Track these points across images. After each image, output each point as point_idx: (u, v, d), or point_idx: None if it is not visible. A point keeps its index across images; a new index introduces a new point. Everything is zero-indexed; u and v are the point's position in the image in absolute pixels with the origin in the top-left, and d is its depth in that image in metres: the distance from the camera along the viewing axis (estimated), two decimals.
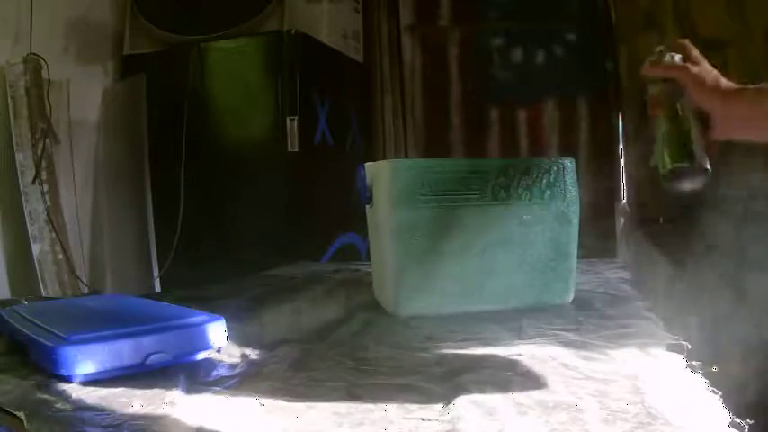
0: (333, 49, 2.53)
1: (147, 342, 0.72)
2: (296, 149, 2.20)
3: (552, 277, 1.03)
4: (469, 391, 0.62)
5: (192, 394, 0.64)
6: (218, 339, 0.79)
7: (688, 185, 0.79)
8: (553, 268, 1.03)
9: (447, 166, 1.02)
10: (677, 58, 0.83)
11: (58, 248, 2.06)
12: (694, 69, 0.81)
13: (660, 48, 0.86)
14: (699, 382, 0.63)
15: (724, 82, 0.80)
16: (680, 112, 0.80)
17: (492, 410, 0.57)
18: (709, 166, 0.77)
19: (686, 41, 0.84)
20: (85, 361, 0.67)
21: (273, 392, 0.64)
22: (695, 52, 0.83)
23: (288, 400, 0.62)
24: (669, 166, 0.78)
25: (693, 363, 0.68)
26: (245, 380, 0.69)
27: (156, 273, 2.39)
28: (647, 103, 0.84)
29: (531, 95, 2.82)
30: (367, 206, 1.10)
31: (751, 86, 0.79)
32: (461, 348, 0.79)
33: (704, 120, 0.80)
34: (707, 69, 0.82)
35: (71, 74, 2.26)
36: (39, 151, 2.05)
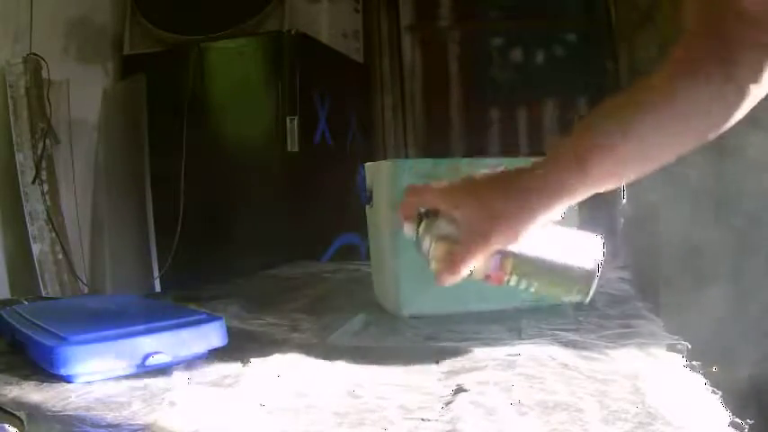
0: (333, 49, 2.53)
1: (147, 342, 0.72)
2: (296, 149, 2.20)
3: None
4: (469, 391, 0.62)
5: (191, 394, 0.64)
6: (218, 339, 0.79)
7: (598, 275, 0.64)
8: None
9: (447, 166, 1.02)
10: (447, 229, 0.63)
11: (57, 248, 2.06)
12: (476, 232, 0.60)
13: (411, 230, 0.66)
14: (699, 382, 0.63)
15: (496, 203, 0.60)
16: (520, 266, 0.63)
17: (492, 410, 0.57)
18: (599, 265, 0.64)
19: (413, 193, 0.66)
20: (85, 361, 0.67)
21: (273, 392, 0.64)
22: (435, 199, 0.64)
23: (288, 400, 0.62)
24: (585, 295, 0.65)
25: (693, 363, 0.68)
26: (245, 380, 0.69)
27: (156, 273, 2.39)
28: (485, 281, 0.64)
29: (531, 95, 2.82)
30: (367, 206, 1.10)
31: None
32: (461, 348, 0.79)
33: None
34: (470, 214, 0.60)
35: (71, 74, 2.26)
36: (39, 151, 2.05)
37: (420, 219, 0.65)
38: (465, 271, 0.61)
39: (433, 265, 0.64)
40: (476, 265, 0.61)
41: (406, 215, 0.65)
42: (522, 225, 0.59)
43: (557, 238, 0.64)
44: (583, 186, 0.59)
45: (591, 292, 0.65)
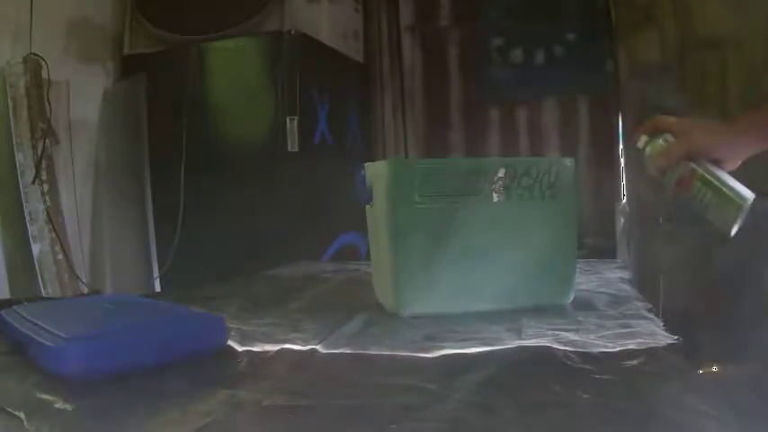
0: (333, 49, 2.53)
1: (147, 342, 0.72)
2: (296, 149, 2.20)
3: (552, 277, 1.03)
4: (469, 391, 0.62)
5: (191, 394, 0.64)
6: (219, 339, 0.79)
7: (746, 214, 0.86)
8: (553, 268, 1.03)
9: (447, 166, 1.02)
10: (669, 137, 0.90)
11: (57, 248, 2.06)
12: (690, 135, 0.88)
13: (641, 141, 0.92)
14: (699, 381, 0.63)
15: (712, 126, 0.90)
16: (707, 173, 0.86)
17: (492, 410, 0.57)
18: (751, 193, 0.84)
19: (656, 119, 0.91)
20: (85, 361, 0.67)
21: (273, 392, 0.64)
22: (671, 120, 0.91)
23: (288, 400, 0.62)
24: (737, 220, 0.84)
25: (693, 362, 0.68)
26: (246, 380, 0.69)
27: (156, 273, 2.39)
28: (675, 186, 0.89)
29: (531, 95, 2.82)
30: (367, 206, 1.10)
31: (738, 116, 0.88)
32: (461, 348, 0.79)
33: (718, 163, 0.88)
34: (694, 125, 0.89)
35: (71, 74, 2.26)
36: (39, 151, 2.05)
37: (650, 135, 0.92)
38: (670, 162, 0.87)
39: (650, 161, 0.90)
40: (676, 168, 0.87)
41: (644, 131, 0.91)
42: (723, 144, 0.87)
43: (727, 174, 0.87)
44: (753, 147, 0.87)
45: (739, 222, 0.84)
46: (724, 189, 0.85)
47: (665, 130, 0.90)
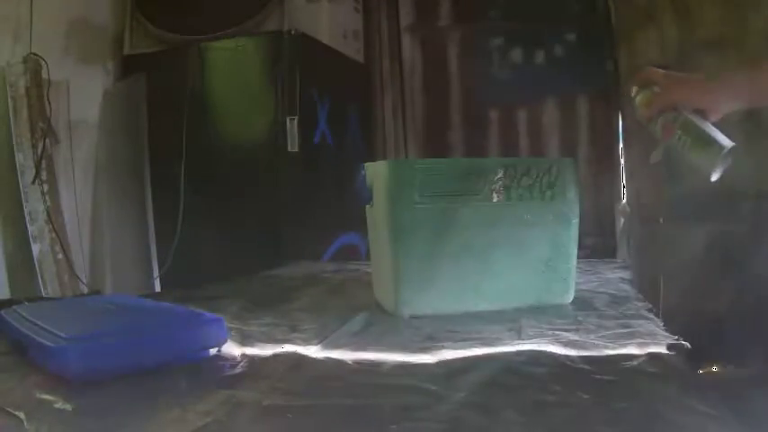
0: (333, 49, 2.53)
1: (147, 342, 0.72)
2: (296, 149, 2.20)
3: (552, 277, 1.03)
4: (469, 392, 0.62)
5: (192, 394, 0.64)
6: (219, 339, 0.79)
7: (728, 163, 0.90)
8: (553, 268, 1.03)
9: (447, 166, 1.02)
10: (656, 89, 0.96)
11: (57, 248, 2.06)
12: (675, 87, 0.94)
13: (633, 91, 0.98)
14: (699, 381, 0.63)
15: (697, 80, 0.96)
16: (687, 121, 0.91)
17: (492, 410, 0.57)
18: (730, 141, 0.89)
19: (647, 71, 0.98)
20: (85, 361, 0.67)
21: (273, 392, 0.64)
22: (661, 73, 0.97)
23: (287, 401, 0.62)
24: (716, 164, 0.88)
25: (693, 362, 0.68)
26: (245, 380, 0.69)
27: (156, 273, 2.39)
28: (661, 134, 0.94)
29: (531, 95, 2.82)
30: (367, 206, 1.10)
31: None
32: (461, 348, 0.79)
33: (701, 113, 0.93)
34: (680, 78, 0.96)
35: (71, 74, 2.26)
36: (39, 151, 2.05)
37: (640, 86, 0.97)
38: (656, 110, 0.92)
39: (638, 110, 0.96)
40: (661, 116, 0.92)
41: (636, 82, 0.97)
42: (706, 96, 0.91)
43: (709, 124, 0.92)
44: (734, 101, 0.93)
45: (719, 167, 0.88)
46: (703, 137, 0.90)
47: (654, 81, 0.96)
